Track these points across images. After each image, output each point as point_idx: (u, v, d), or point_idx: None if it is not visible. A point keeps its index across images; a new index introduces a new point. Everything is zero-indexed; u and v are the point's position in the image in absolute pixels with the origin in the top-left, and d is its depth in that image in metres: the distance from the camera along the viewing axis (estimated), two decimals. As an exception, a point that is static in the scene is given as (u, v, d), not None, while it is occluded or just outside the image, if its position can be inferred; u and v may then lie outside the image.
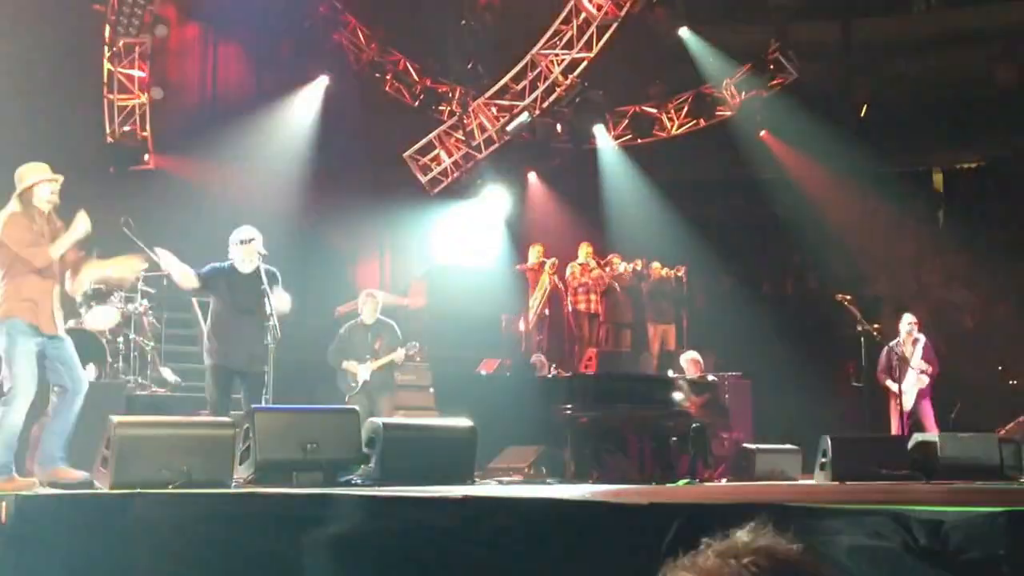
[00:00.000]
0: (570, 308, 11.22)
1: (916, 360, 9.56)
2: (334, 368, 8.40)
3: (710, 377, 9.70)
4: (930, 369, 9.61)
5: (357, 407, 7.42)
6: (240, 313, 6.72)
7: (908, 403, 9.46)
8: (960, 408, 10.60)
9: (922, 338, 9.74)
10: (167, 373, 8.92)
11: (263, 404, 6.50)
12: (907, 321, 9.80)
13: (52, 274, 5.55)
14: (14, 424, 5.41)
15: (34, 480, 5.53)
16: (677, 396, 8.85)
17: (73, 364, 5.63)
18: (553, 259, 11.08)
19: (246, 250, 6.71)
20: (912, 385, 9.53)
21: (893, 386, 9.47)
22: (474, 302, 11.09)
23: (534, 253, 11.48)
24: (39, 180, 5.52)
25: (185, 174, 11.49)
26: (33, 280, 5.46)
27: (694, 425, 8.87)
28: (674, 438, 8.79)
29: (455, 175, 12.86)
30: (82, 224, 5.58)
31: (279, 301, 6.71)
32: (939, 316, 13.29)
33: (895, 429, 9.38)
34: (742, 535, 1.41)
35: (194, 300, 8.86)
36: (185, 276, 6.70)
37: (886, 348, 9.70)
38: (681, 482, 8.03)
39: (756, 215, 14.55)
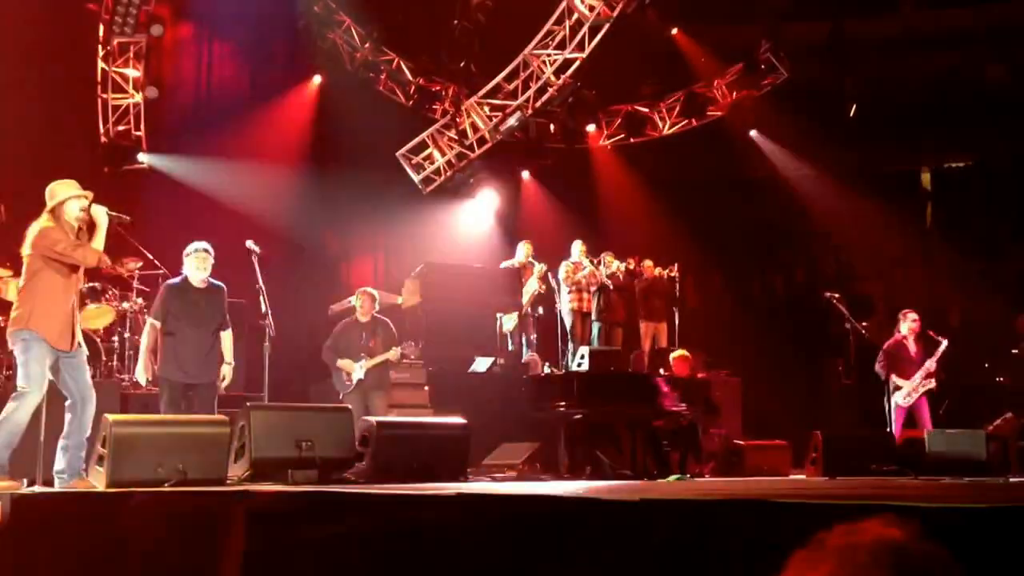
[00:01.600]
0: (563, 306, 11.25)
1: (931, 363, 9.27)
2: (329, 366, 8.43)
3: (699, 375, 9.76)
4: (937, 375, 9.31)
5: (351, 405, 7.48)
6: (192, 327, 6.86)
7: (911, 400, 9.22)
8: (948, 405, 10.70)
9: (944, 343, 9.36)
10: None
11: (215, 413, 6.62)
12: (911, 318, 9.50)
13: (70, 291, 5.71)
14: (20, 422, 5.52)
15: (20, 481, 5.59)
16: (664, 395, 8.89)
17: (84, 375, 5.77)
18: (543, 265, 11.09)
19: (198, 260, 6.88)
20: (920, 384, 9.27)
21: (900, 382, 9.21)
22: (468, 300, 11.11)
23: (521, 251, 11.51)
24: (69, 196, 5.71)
25: (179, 173, 11.50)
26: (51, 296, 5.62)
27: (684, 423, 8.95)
28: (665, 435, 8.87)
29: (448, 174, 12.88)
30: (103, 216, 5.76)
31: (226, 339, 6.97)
32: (927, 314, 13.38)
33: (898, 428, 9.11)
34: (865, 530, 1.34)
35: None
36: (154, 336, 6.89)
37: (887, 345, 9.42)
38: (672, 478, 8.10)
39: (747, 214, 14.63)
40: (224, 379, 6.94)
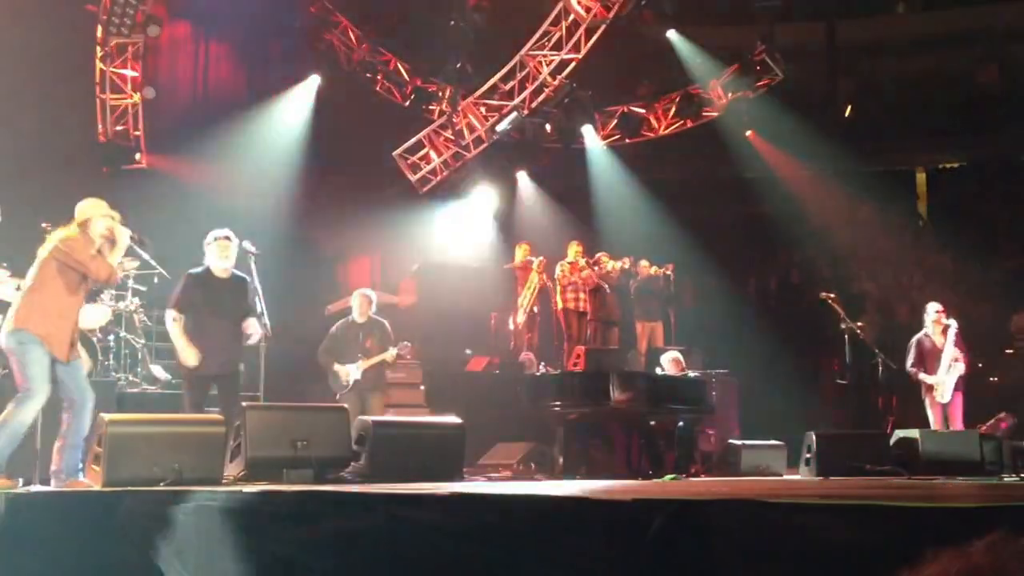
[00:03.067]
0: (559, 306, 11.27)
1: (948, 349, 9.03)
2: (324, 367, 8.43)
3: (691, 374, 9.78)
4: (963, 358, 9.04)
5: (347, 406, 7.49)
6: (215, 317, 6.68)
7: (946, 395, 8.97)
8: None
9: (953, 324, 9.14)
10: (158, 371, 8.95)
11: (239, 402, 6.52)
12: (933, 309, 9.24)
13: (75, 305, 5.74)
14: (22, 423, 5.51)
15: (17, 480, 5.59)
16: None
17: (80, 375, 5.77)
18: (541, 257, 11.13)
19: (220, 248, 6.66)
20: (947, 375, 8.99)
21: (928, 379, 9.04)
22: (464, 300, 11.15)
23: (520, 252, 11.53)
24: (98, 215, 5.82)
25: (177, 173, 11.51)
26: (56, 304, 5.62)
27: (681, 422, 8.97)
28: (661, 435, 8.89)
29: (444, 174, 12.90)
30: (124, 237, 5.86)
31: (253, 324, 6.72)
32: (921, 314, 13.40)
33: (936, 423, 8.93)
34: (978, 556, 1.27)
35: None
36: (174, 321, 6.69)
37: (915, 340, 9.24)
38: (667, 477, 8.12)
39: (742, 214, 14.67)
40: (250, 336, 6.66)
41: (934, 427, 8.89)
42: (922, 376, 9.09)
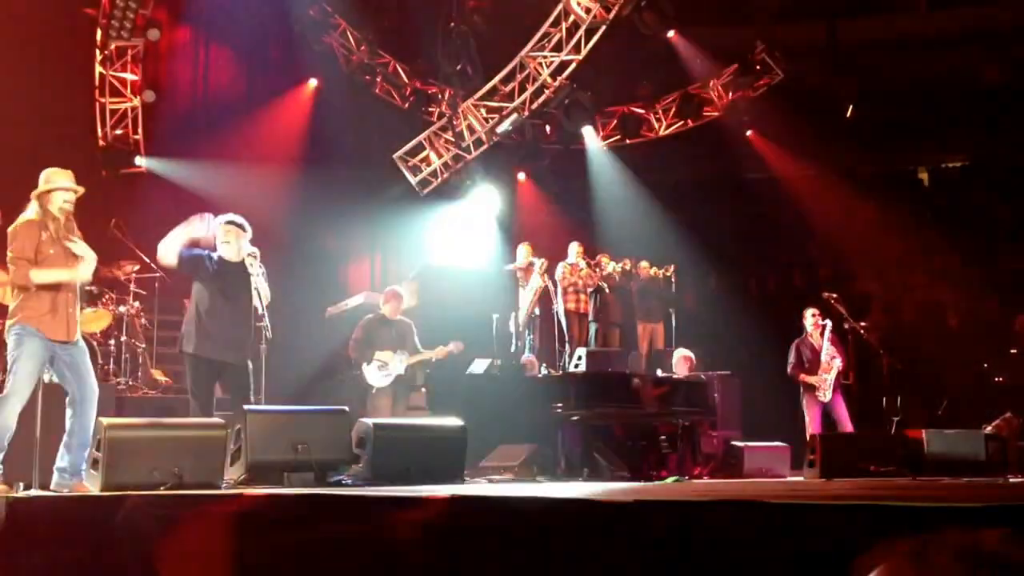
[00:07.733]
0: (560, 308, 11.25)
1: (826, 347, 9.47)
2: (359, 360, 8.27)
3: (699, 375, 9.77)
4: (840, 356, 9.44)
5: (382, 399, 7.36)
6: (225, 299, 6.38)
7: (828, 394, 9.39)
8: (946, 406, 10.70)
9: (828, 323, 9.61)
10: (158, 375, 8.95)
11: (251, 397, 6.38)
12: (810, 314, 9.71)
13: (70, 284, 5.59)
14: (6, 425, 5.43)
15: (17, 485, 5.55)
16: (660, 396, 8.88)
17: (84, 371, 5.65)
18: (543, 260, 11.12)
19: (222, 232, 6.38)
20: (828, 374, 9.42)
21: (811, 379, 9.43)
22: (465, 302, 11.13)
23: (522, 253, 11.51)
24: (58, 187, 5.60)
25: (177, 177, 11.50)
26: (43, 288, 5.50)
27: (683, 424, 8.94)
28: (663, 436, 8.86)
29: (445, 176, 12.89)
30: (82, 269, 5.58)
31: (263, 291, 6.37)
32: (925, 314, 13.38)
33: (815, 426, 9.27)
34: (989, 540, 1.26)
35: (186, 301, 8.86)
36: (168, 250, 6.36)
37: (794, 344, 9.68)
38: (670, 479, 8.08)
39: (743, 215, 14.62)
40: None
41: (812, 429, 9.22)
42: (803, 377, 9.51)
